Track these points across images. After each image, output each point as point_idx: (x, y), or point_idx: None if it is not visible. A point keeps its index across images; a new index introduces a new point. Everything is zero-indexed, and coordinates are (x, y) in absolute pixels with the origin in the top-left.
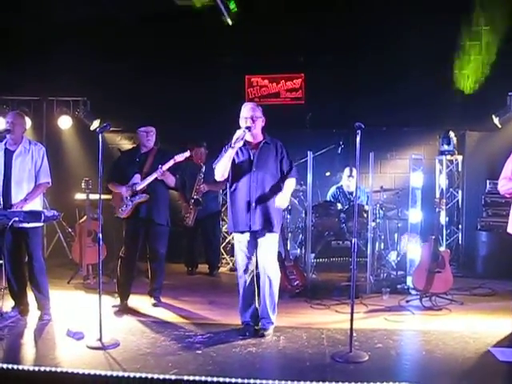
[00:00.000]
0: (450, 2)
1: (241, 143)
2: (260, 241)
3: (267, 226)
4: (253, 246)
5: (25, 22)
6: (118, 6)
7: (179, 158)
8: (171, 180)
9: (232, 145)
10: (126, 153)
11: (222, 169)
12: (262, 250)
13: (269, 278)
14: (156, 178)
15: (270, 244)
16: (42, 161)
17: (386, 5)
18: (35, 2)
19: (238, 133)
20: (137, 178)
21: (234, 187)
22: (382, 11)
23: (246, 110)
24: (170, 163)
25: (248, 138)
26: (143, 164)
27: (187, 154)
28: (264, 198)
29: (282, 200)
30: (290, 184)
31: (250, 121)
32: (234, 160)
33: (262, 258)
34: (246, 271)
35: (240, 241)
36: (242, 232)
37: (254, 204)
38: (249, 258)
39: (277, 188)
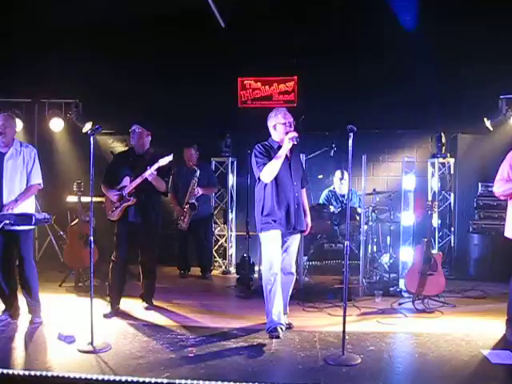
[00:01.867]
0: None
1: (290, 144)
2: (291, 240)
3: (304, 225)
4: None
5: (17, 25)
6: (112, 9)
7: (163, 161)
8: (161, 184)
9: (284, 146)
10: (119, 155)
11: (272, 175)
12: (293, 249)
13: (293, 275)
14: (145, 180)
15: (298, 243)
16: (34, 162)
17: (381, 8)
18: (28, 5)
19: (289, 144)
20: (126, 180)
21: (276, 189)
22: (376, 14)
23: (284, 115)
24: (155, 166)
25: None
26: (136, 166)
27: (170, 157)
28: (299, 199)
29: (310, 225)
30: (306, 198)
31: (289, 126)
32: None
33: (292, 257)
34: (280, 271)
35: (279, 240)
36: (282, 231)
37: (296, 206)
38: (279, 258)
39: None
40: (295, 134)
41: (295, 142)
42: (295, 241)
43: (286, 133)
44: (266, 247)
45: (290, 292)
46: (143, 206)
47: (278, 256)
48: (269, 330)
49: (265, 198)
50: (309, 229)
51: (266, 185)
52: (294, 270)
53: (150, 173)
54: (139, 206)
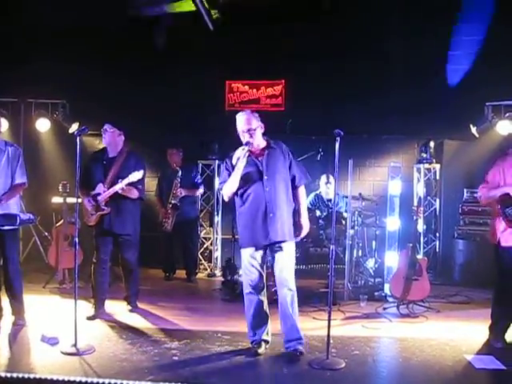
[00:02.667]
0: (434, 12)
1: (244, 161)
2: (279, 252)
3: (287, 235)
4: (264, 261)
5: (4, 25)
6: (100, 11)
7: (133, 177)
8: (133, 193)
9: (236, 165)
10: (93, 155)
11: (229, 191)
12: (283, 261)
13: (291, 291)
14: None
15: (289, 254)
16: (18, 162)
17: (369, 14)
18: (16, 5)
19: (238, 153)
20: (100, 187)
21: (245, 200)
22: (364, 20)
23: (242, 123)
24: (125, 182)
25: (251, 148)
26: (108, 171)
27: (140, 174)
28: (280, 205)
29: (305, 227)
30: (304, 198)
31: (247, 135)
32: (242, 173)
33: (283, 270)
34: (258, 290)
35: (254, 257)
36: (258, 246)
37: (271, 214)
38: (261, 276)
39: (289, 194)
40: (243, 152)
41: (244, 156)
42: (283, 252)
43: (246, 144)
44: (243, 264)
45: (291, 311)
46: (118, 213)
47: (253, 275)
48: (252, 343)
49: (239, 207)
50: (303, 232)
51: (236, 193)
52: (290, 285)
53: (120, 187)
54: (114, 215)
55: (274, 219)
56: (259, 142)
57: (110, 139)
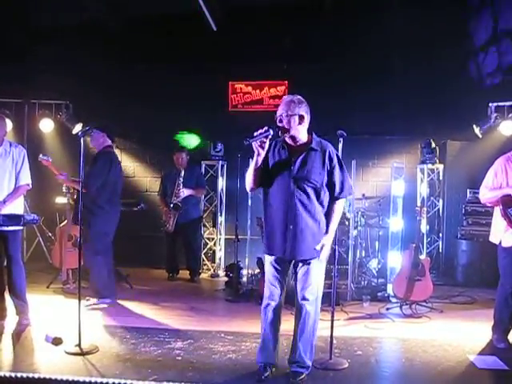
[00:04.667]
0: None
1: (265, 145)
2: (301, 269)
3: (308, 253)
4: (285, 273)
5: (8, 25)
6: (104, 10)
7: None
8: (75, 185)
9: (246, 140)
10: None
11: (247, 180)
12: (302, 279)
13: (308, 312)
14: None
15: (311, 272)
16: (23, 163)
17: (369, 15)
18: (18, 4)
19: (259, 131)
20: None
21: (268, 201)
22: (365, 21)
23: (280, 106)
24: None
25: (287, 139)
26: None
27: (41, 157)
28: (305, 218)
29: (325, 251)
30: (336, 213)
31: (280, 119)
32: (269, 165)
33: (301, 289)
34: (270, 301)
35: (272, 266)
36: (279, 257)
37: (291, 226)
38: (277, 287)
39: (320, 205)
40: (264, 133)
41: (258, 139)
42: (305, 269)
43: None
44: (265, 270)
45: (304, 332)
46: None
47: (271, 285)
48: (258, 366)
49: (263, 201)
50: (323, 253)
51: (263, 192)
52: (306, 300)
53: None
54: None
55: (293, 233)
56: (297, 134)
57: (94, 141)
